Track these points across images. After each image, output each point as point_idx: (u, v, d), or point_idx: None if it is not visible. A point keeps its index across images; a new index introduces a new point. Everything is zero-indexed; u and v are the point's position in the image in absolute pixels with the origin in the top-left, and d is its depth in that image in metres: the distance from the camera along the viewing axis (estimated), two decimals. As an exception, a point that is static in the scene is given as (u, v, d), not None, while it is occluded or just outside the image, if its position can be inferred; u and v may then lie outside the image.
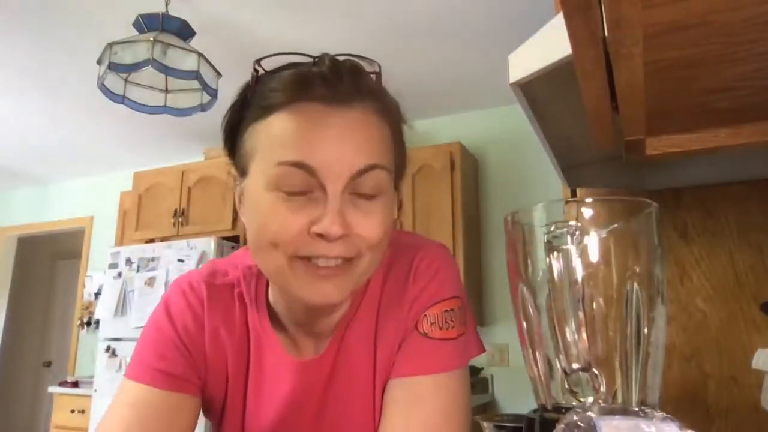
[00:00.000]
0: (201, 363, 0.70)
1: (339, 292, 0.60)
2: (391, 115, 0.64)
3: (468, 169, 3.26)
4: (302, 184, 0.57)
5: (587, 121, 0.63)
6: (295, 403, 0.69)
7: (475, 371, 3.09)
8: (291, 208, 0.57)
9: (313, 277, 0.59)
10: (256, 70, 0.62)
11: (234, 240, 3.41)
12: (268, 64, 0.63)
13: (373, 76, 0.64)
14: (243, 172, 0.63)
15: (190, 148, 4.15)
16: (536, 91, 0.76)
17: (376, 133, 0.60)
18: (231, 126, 0.64)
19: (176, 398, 0.67)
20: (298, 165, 0.56)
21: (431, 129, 3.55)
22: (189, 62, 2.13)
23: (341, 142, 0.57)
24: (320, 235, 0.57)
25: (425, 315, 0.67)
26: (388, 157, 0.62)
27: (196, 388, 0.70)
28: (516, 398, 3.10)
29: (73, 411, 3.72)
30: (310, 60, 0.61)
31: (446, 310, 0.67)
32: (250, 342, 0.71)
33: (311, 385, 0.69)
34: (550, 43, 0.68)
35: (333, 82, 0.58)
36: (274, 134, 0.58)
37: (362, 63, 0.63)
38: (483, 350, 0.72)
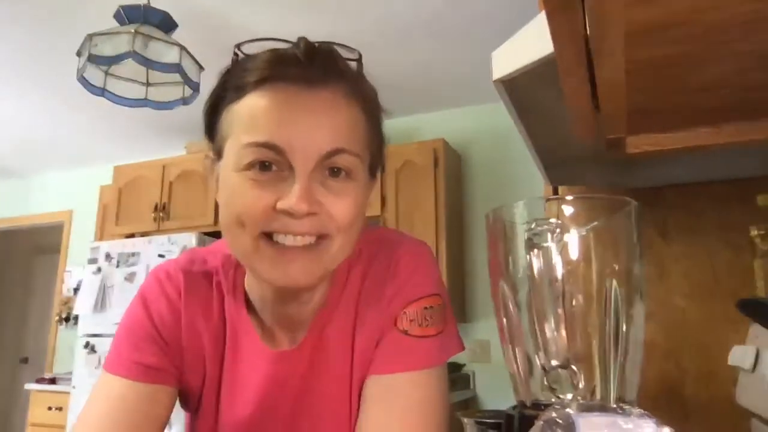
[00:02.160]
0: (177, 353, 0.69)
1: (305, 275, 0.60)
2: (364, 99, 0.64)
3: (452, 166, 3.27)
4: (270, 163, 0.58)
5: (569, 118, 0.64)
6: (271, 394, 0.69)
7: (457, 367, 3.10)
8: (258, 186, 0.58)
9: (280, 259, 0.59)
10: (236, 54, 0.62)
11: (216, 235, 3.38)
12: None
13: (353, 63, 0.64)
14: (219, 154, 0.63)
15: (171, 142, 4.10)
16: (519, 89, 0.76)
17: (345, 116, 0.61)
18: (210, 110, 0.64)
19: (152, 389, 0.67)
20: (266, 146, 0.57)
21: (415, 125, 3.55)
22: (171, 55, 2.10)
23: (310, 124, 0.58)
24: (286, 213, 0.57)
25: (404, 312, 0.67)
26: (358, 143, 0.62)
27: (173, 379, 0.69)
28: (498, 394, 3.12)
29: (50, 408, 3.66)
30: (290, 44, 0.61)
31: (425, 308, 0.67)
32: (226, 331, 0.71)
33: (287, 377, 0.69)
34: (533, 41, 0.68)
35: (305, 63, 0.59)
36: (245, 115, 0.59)
37: (342, 50, 0.63)
38: (462, 348, 0.72)
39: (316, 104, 0.59)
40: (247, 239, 0.59)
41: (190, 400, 0.73)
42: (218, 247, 0.75)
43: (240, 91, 0.60)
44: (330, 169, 0.59)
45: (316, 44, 0.61)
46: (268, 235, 0.59)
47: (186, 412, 0.76)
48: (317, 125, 0.58)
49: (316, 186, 0.58)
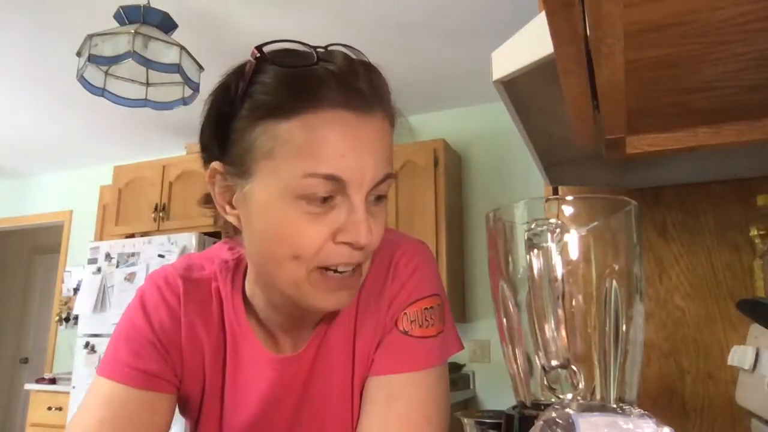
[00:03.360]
0: (177, 360, 0.69)
1: (350, 297, 0.62)
2: (393, 114, 0.63)
3: (451, 166, 3.27)
4: (327, 193, 0.56)
5: (569, 119, 0.64)
6: (274, 399, 0.69)
7: (457, 367, 3.10)
8: (313, 219, 0.56)
9: (332, 287, 0.59)
10: (257, 57, 0.57)
11: (216, 236, 3.37)
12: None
13: None
14: (245, 172, 0.58)
15: (171, 142, 4.10)
16: (519, 89, 0.77)
17: (389, 140, 0.61)
18: (220, 116, 0.60)
19: (151, 397, 0.66)
20: (329, 177, 0.55)
21: (415, 125, 3.55)
22: (170, 55, 2.10)
23: (367, 151, 0.56)
24: (349, 244, 0.57)
25: (405, 313, 0.67)
26: (392, 161, 0.62)
27: (172, 386, 0.69)
28: (498, 394, 3.12)
29: (50, 408, 3.66)
30: (310, 50, 0.57)
31: (426, 308, 0.67)
32: (226, 337, 0.70)
33: (290, 382, 0.69)
34: (532, 41, 0.69)
35: (352, 84, 0.56)
36: (297, 143, 0.54)
37: (349, 53, 0.60)
38: (461, 347, 0.72)
39: (369, 131, 0.57)
40: (302, 272, 0.58)
41: (190, 408, 0.72)
42: (214, 253, 0.74)
43: (278, 111, 0.55)
44: (374, 195, 0.59)
45: (353, 58, 0.58)
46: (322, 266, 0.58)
47: (186, 419, 0.75)
48: (372, 154, 0.57)
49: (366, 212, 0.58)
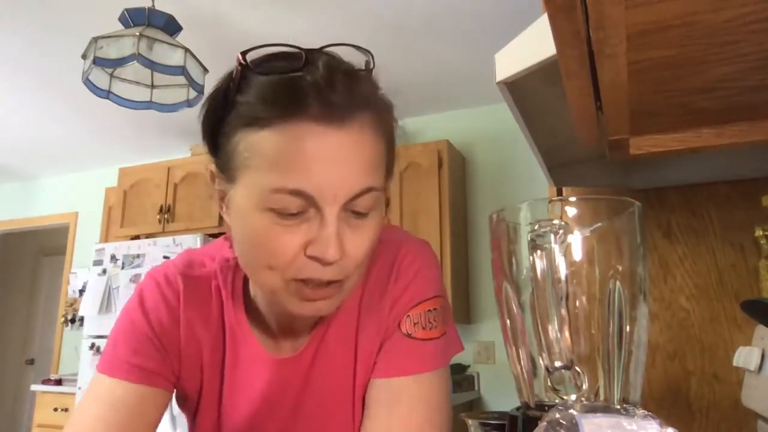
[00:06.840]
0: (175, 358, 0.69)
1: (329, 308, 0.61)
2: (385, 123, 0.61)
3: (456, 168, 3.27)
4: (297, 208, 0.55)
5: (572, 120, 0.64)
6: (272, 399, 0.68)
7: (461, 368, 3.10)
8: (285, 230, 0.55)
9: (308, 297, 0.59)
10: (241, 64, 0.57)
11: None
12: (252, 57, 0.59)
13: (367, 64, 0.60)
14: (230, 177, 0.59)
15: (176, 144, 4.11)
16: (522, 90, 0.77)
17: (371, 150, 0.58)
18: (212, 121, 0.61)
19: (149, 392, 0.66)
20: (295, 193, 0.54)
21: (419, 127, 3.56)
22: (175, 57, 2.11)
23: (338, 165, 0.55)
24: (317, 259, 0.56)
25: (408, 315, 0.66)
26: (381, 174, 0.60)
27: (170, 383, 0.69)
28: (502, 395, 3.12)
29: (56, 409, 3.68)
30: (300, 53, 0.56)
31: (429, 310, 0.67)
32: (225, 337, 0.70)
33: (288, 382, 0.68)
34: (536, 43, 0.69)
35: (327, 93, 0.54)
36: (268, 155, 0.54)
37: (355, 52, 0.59)
38: (462, 348, 0.72)
39: (343, 144, 0.55)
40: (278, 281, 0.58)
41: (187, 405, 0.73)
42: (215, 250, 0.74)
43: (255, 122, 0.55)
44: (354, 208, 0.57)
45: (334, 64, 0.56)
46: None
47: (184, 413, 0.75)
48: (346, 167, 0.55)
49: (342, 227, 0.56)
